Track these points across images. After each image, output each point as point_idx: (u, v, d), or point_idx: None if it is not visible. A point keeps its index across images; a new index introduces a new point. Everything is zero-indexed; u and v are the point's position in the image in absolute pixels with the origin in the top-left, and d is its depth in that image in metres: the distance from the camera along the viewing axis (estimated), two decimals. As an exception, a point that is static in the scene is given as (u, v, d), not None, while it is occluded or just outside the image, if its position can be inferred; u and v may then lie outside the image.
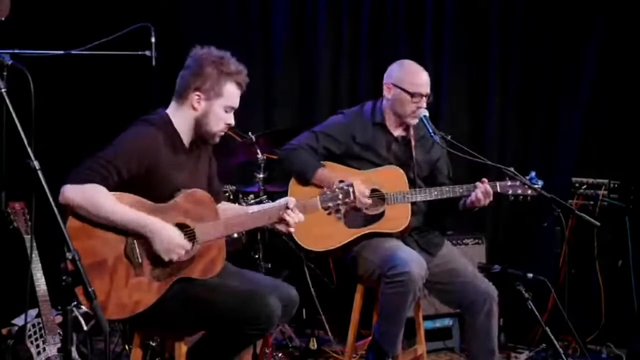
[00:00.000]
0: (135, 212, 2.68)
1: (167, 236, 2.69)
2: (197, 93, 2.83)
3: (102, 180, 2.65)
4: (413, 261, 3.29)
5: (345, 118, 3.64)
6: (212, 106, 2.84)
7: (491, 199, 3.43)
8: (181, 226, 2.77)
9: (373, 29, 5.10)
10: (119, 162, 2.68)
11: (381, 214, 3.49)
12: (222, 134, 2.93)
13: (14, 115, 2.11)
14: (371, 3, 5.09)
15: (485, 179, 3.44)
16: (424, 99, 3.52)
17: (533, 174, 3.44)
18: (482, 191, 3.40)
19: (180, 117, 2.87)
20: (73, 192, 2.62)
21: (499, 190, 3.45)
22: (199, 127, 2.87)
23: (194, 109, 2.84)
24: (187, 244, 2.73)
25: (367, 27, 5.10)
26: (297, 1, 5.17)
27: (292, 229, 2.93)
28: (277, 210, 2.90)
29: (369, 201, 3.46)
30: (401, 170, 3.53)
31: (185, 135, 2.89)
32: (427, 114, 3.51)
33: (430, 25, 5.03)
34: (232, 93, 2.87)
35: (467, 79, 5.08)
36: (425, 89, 3.52)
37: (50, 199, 2.08)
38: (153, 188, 2.75)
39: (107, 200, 2.64)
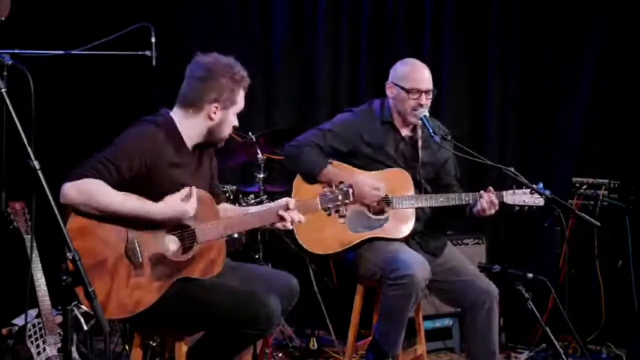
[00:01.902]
0: (136, 200, 2.67)
1: (170, 204, 2.70)
2: (215, 104, 2.84)
3: (101, 177, 2.65)
4: (416, 264, 3.28)
5: (354, 116, 3.61)
6: (227, 114, 2.88)
7: (497, 208, 3.41)
8: (181, 226, 2.78)
9: (373, 29, 5.10)
10: (120, 161, 2.68)
11: (385, 219, 3.47)
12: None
13: (14, 115, 2.10)
14: (371, 3, 5.09)
15: (490, 188, 3.42)
16: (423, 95, 3.47)
17: (541, 184, 3.38)
18: (486, 201, 3.38)
19: (190, 125, 2.87)
20: (73, 190, 2.62)
21: (505, 200, 3.42)
22: (212, 135, 2.90)
23: (211, 119, 2.86)
24: (186, 205, 2.72)
25: (367, 27, 5.10)
26: (297, 1, 5.16)
27: (289, 225, 2.93)
28: (276, 210, 2.91)
29: (379, 193, 3.42)
30: (407, 173, 3.50)
31: (191, 140, 2.89)
32: (427, 114, 3.49)
33: (430, 25, 5.04)
34: (242, 99, 2.92)
35: (467, 79, 5.08)
36: (424, 84, 3.48)
37: (51, 199, 2.08)
38: (154, 187, 2.74)
39: (103, 190, 2.64)
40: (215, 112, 2.85)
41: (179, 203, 2.73)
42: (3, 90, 2.14)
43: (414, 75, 3.50)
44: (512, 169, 3.39)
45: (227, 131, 2.92)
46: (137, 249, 2.69)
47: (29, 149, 2.09)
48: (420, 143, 3.58)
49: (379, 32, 5.10)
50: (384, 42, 5.09)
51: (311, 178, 3.49)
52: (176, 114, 2.88)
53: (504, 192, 3.42)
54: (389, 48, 5.04)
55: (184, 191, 2.75)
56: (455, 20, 5.00)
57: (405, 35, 5.07)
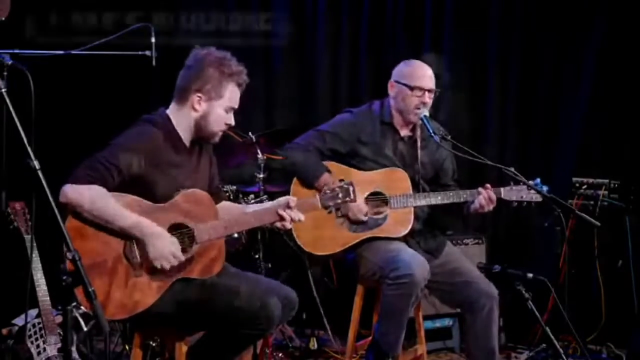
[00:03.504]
0: (132, 215, 2.67)
1: (160, 244, 2.68)
2: (198, 94, 2.83)
3: (103, 180, 2.65)
4: (416, 263, 3.28)
5: (353, 117, 3.61)
6: (212, 107, 2.84)
7: (495, 204, 3.42)
8: (180, 226, 2.77)
9: (373, 29, 5.10)
10: (119, 161, 2.68)
11: (384, 218, 3.47)
12: (221, 133, 2.94)
13: (14, 115, 2.11)
14: (371, 3, 5.08)
15: (488, 185, 3.43)
16: (427, 94, 3.48)
17: (538, 180, 3.41)
18: (484, 197, 3.39)
19: (181, 117, 2.87)
20: (74, 193, 2.62)
21: (502, 196, 3.44)
22: (200, 128, 2.87)
23: (195, 110, 2.85)
24: (180, 255, 2.71)
25: (367, 27, 5.10)
26: (297, 1, 5.17)
27: (288, 225, 2.92)
28: (275, 209, 2.90)
29: (365, 218, 3.44)
30: (404, 173, 3.51)
31: (185, 135, 2.89)
32: (427, 114, 3.49)
33: (430, 25, 5.03)
34: (233, 93, 2.87)
35: (467, 78, 5.08)
36: (427, 83, 3.49)
37: (51, 199, 2.08)
38: (153, 187, 2.75)
39: (107, 202, 2.64)
40: (199, 103, 2.83)
41: (179, 253, 2.71)
42: (3, 90, 2.14)
43: (418, 73, 3.51)
44: (512, 169, 3.40)
45: (215, 126, 2.87)
46: (136, 249, 2.69)
47: (29, 149, 2.09)
48: (419, 143, 3.58)
49: (379, 32, 5.10)
50: (384, 42, 5.09)
51: (307, 184, 3.49)
52: (171, 110, 2.89)
53: (502, 189, 3.44)
54: (389, 48, 5.04)
55: (180, 255, 2.72)
56: (455, 20, 5.00)
57: (405, 35, 5.07)
